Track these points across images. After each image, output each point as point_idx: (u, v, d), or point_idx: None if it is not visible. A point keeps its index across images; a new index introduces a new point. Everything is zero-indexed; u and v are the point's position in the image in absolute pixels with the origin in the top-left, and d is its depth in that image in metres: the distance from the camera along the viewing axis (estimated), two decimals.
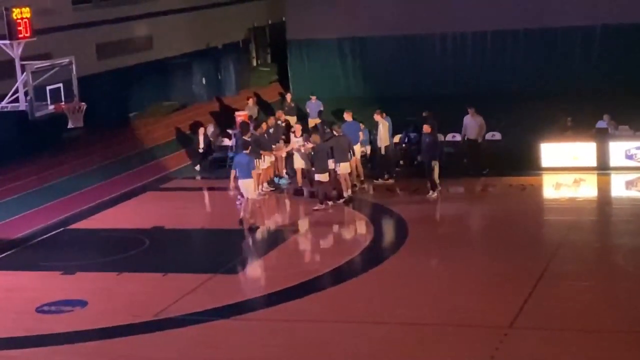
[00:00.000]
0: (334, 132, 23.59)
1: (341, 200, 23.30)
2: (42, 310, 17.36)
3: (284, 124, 26.77)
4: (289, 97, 31.37)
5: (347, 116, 25.05)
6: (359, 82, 34.48)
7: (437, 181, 23.65)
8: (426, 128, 23.37)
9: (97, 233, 22.36)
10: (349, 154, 23.20)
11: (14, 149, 26.08)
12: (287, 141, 25.65)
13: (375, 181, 24.83)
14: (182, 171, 28.07)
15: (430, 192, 23.24)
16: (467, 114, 25.52)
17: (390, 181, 24.93)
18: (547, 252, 19.02)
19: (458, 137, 26.51)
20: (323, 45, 34.81)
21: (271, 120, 26.01)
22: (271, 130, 25.26)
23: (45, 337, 16.23)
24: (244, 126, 25.18)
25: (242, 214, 21.53)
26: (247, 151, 22.00)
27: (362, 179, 24.59)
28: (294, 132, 25.07)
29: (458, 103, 26.47)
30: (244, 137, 24.32)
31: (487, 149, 25.84)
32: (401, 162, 26.08)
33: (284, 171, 25.93)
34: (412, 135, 26.17)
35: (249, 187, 21.46)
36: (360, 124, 25.16)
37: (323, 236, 21.44)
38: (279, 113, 27.56)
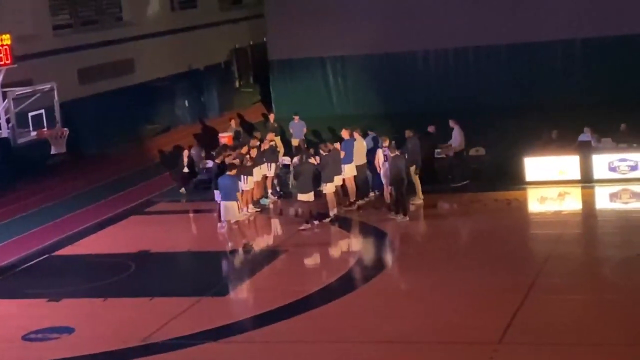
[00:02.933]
0: (321, 152, 23.56)
1: (327, 220, 23.26)
2: (28, 338, 17.23)
3: (273, 143, 26.71)
4: (272, 117, 31.37)
5: (345, 134, 24.99)
6: (342, 101, 34.48)
7: (420, 199, 23.71)
8: (390, 150, 23.27)
9: (82, 259, 22.24)
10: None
11: None
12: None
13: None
14: (167, 194, 27.98)
15: (400, 215, 22.90)
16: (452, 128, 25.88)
17: (368, 199, 24.82)
18: (535, 266, 19.03)
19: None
20: (305, 64, 34.80)
21: (253, 142, 25.96)
22: (251, 152, 25.18)
23: None
24: (220, 150, 25.17)
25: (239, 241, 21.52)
26: (231, 173, 21.89)
27: (352, 199, 24.45)
28: None
29: (442, 119, 26.53)
30: (215, 161, 24.31)
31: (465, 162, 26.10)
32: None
33: (269, 191, 25.90)
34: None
35: (232, 210, 21.34)
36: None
37: (310, 256, 21.39)
38: (270, 135, 27.44)
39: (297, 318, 17.20)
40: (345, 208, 24.04)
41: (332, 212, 23.40)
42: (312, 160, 23.28)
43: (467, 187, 25.33)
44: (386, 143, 23.56)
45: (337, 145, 24.33)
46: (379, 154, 23.88)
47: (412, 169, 23.93)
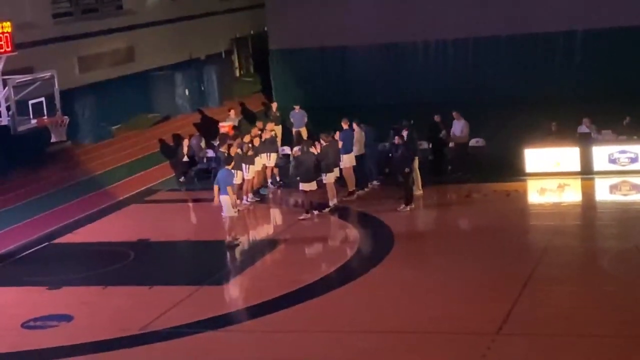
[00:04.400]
0: (322, 142, 23.56)
1: (326, 210, 23.27)
2: (27, 326, 17.26)
3: (273, 133, 26.69)
4: (274, 106, 31.37)
5: (344, 124, 24.99)
6: (342, 91, 34.47)
7: (419, 190, 23.79)
8: (397, 140, 23.35)
9: (81, 247, 22.27)
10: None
11: None
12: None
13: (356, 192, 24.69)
14: (167, 183, 28.00)
15: (402, 205, 23.09)
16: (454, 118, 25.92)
17: (367, 189, 24.85)
18: (533, 257, 19.05)
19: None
20: (305, 54, 34.81)
21: (255, 131, 25.98)
22: (254, 141, 25.22)
23: (31, 352, 16.16)
24: (222, 138, 25.02)
25: (227, 237, 21.25)
26: (229, 166, 21.68)
27: (351, 189, 24.45)
28: None
29: (441, 110, 26.52)
30: (220, 150, 24.22)
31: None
32: (387, 170, 26.06)
33: (269, 181, 25.91)
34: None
35: (226, 204, 21.16)
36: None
37: (309, 246, 21.40)
38: (270, 125, 27.41)
39: (296, 308, 17.22)
40: (345, 198, 24.06)
41: (332, 202, 23.42)
42: (313, 149, 23.28)
43: (466, 178, 25.33)
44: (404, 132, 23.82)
45: (337, 134, 24.33)
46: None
47: (414, 159, 23.94)
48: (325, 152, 23.26)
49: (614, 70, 30.95)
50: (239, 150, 24.01)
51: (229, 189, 21.08)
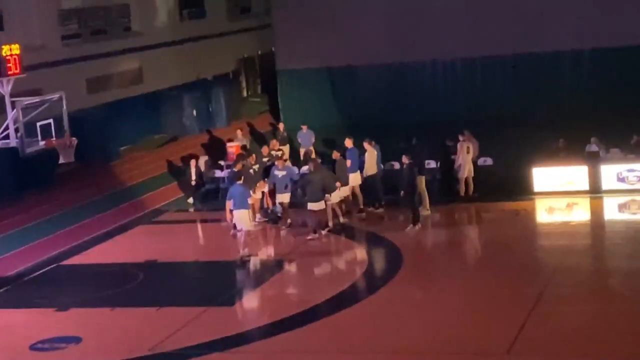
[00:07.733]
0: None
1: (326, 230, 23.16)
2: (36, 348, 17.23)
3: (279, 153, 26.70)
4: (281, 126, 31.44)
5: (348, 143, 24.97)
6: (349, 111, 34.45)
7: (427, 210, 23.74)
8: (404, 159, 23.35)
9: (90, 268, 22.26)
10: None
11: (6, 186, 26.02)
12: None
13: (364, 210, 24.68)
14: (175, 204, 28.01)
15: (410, 225, 23.04)
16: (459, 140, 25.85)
17: (380, 210, 24.84)
18: (543, 276, 18.99)
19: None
20: (313, 74, 34.83)
21: (265, 150, 25.99)
22: (265, 160, 25.23)
23: None
24: (238, 157, 25.14)
25: (241, 250, 21.39)
26: (241, 181, 21.91)
27: (362, 206, 24.50)
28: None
29: (449, 129, 26.52)
30: (233, 169, 24.29)
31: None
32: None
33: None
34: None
35: (244, 218, 21.36)
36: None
37: (318, 265, 21.37)
38: (274, 142, 27.47)
39: (305, 328, 17.18)
40: (356, 214, 24.03)
41: (338, 220, 23.36)
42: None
43: (474, 198, 25.29)
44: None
45: (336, 154, 24.25)
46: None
47: (421, 179, 23.92)
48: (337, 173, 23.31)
49: (622, 89, 30.90)
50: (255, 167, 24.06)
51: (249, 201, 21.30)
